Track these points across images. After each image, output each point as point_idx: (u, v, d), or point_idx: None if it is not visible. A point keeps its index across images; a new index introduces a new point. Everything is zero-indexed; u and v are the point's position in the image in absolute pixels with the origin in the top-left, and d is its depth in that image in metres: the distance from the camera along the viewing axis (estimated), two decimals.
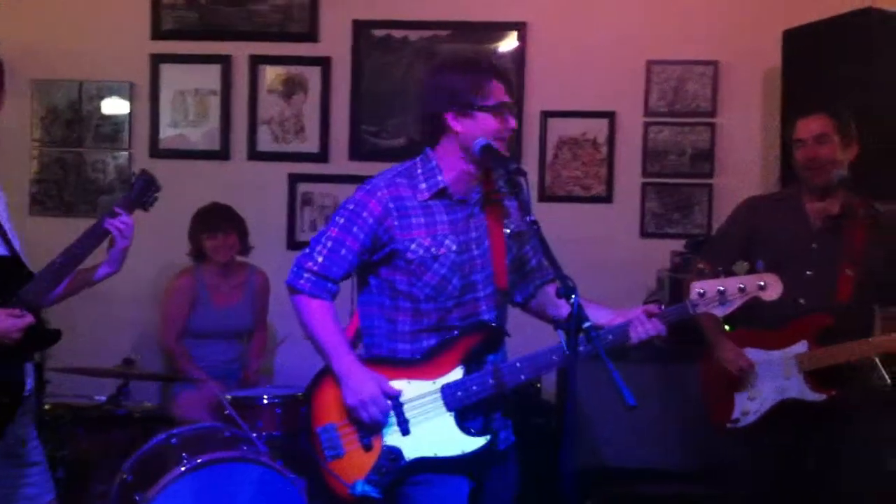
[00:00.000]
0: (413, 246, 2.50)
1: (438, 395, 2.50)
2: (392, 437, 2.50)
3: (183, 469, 3.27)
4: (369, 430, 2.50)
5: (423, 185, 2.54)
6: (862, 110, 4.14)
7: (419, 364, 2.53)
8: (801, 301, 3.22)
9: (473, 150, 2.51)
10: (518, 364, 2.52)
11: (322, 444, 2.52)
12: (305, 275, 2.55)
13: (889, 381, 3.99)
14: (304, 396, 2.63)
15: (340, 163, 5.19)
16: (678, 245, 4.72)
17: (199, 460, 3.31)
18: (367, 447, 2.50)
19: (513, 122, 2.55)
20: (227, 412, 3.68)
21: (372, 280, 2.60)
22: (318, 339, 2.55)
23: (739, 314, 3.34)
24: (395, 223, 2.50)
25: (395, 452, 2.47)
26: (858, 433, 3.18)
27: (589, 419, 3.83)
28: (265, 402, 3.93)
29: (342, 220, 2.54)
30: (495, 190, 2.61)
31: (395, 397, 2.48)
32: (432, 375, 2.50)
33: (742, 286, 2.52)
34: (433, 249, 2.50)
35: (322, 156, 5.20)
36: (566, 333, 2.31)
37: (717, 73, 5.05)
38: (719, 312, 2.55)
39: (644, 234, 5.10)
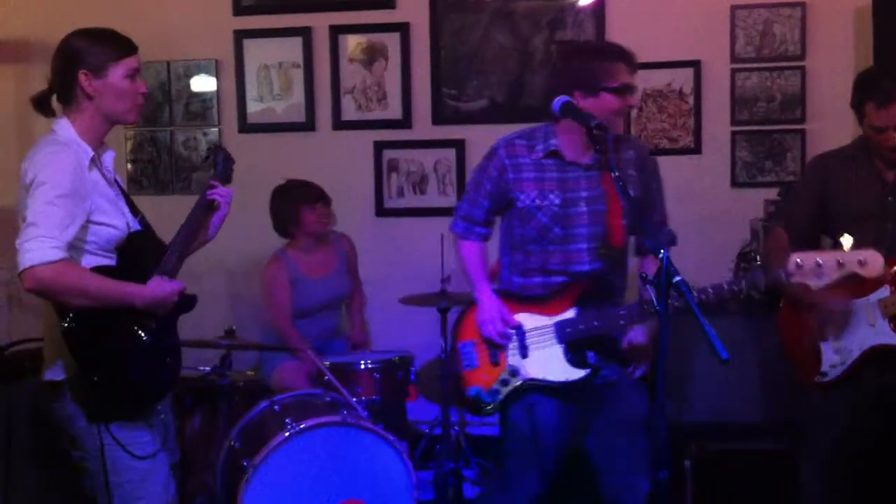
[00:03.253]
0: (522, 196, 2.97)
1: (552, 329, 2.93)
2: (514, 358, 2.97)
3: (287, 434, 3.36)
4: (496, 348, 2.97)
5: (539, 147, 2.97)
6: None
7: (543, 301, 2.96)
8: (884, 252, 3.15)
9: (553, 109, 2.80)
10: (622, 311, 2.86)
11: (461, 356, 3.03)
12: (457, 220, 3.17)
13: None
14: (456, 320, 3.13)
15: (424, 128, 5.22)
16: (771, 193, 4.62)
17: (302, 425, 3.39)
18: (495, 363, 2.98)
19: (634, 101, 2.92)
20: (326, 378, 3.76)
21: (503, 224, 3.11)
22: (465, 273, 3.14)
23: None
24: (510, 176, 2.98)
25: (515, 370, 2.95)
26: None
27: (684, 374, 3.80)
28: (363, 367, 4.01)
29: (475, 175, 3.13)
30: (618, 158, 2.93)
31: (514, 326, 2.95)
32: (551, 312, 2.94)
33: (841, 261, 2.57)
34: (537, 200, 2.95)
35: (405, 122, 5.22)
36: (656, 288, 2.31)
37: (805, 15, 4.89)
38: (815, 284, 2.61)
39: (735, 183, 5.00)
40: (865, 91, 3.17)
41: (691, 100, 5.01)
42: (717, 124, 5.01)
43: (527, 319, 2.96)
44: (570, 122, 2.87)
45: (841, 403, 3.23)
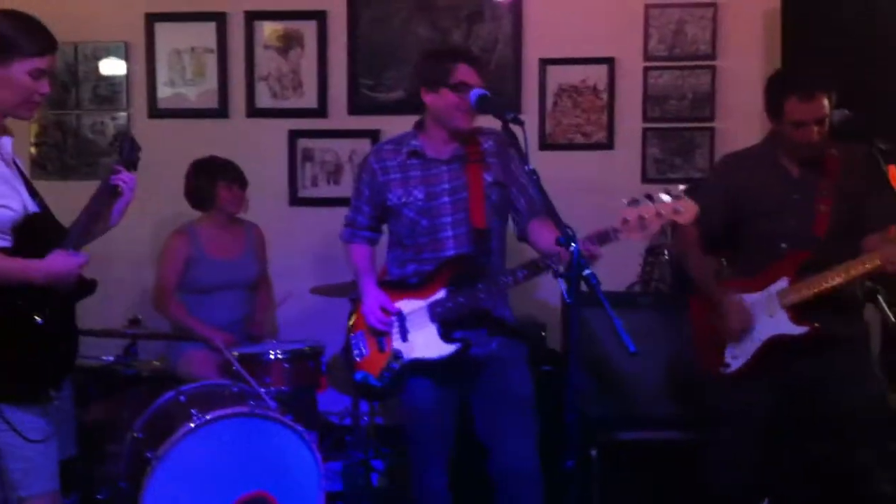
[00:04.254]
0: (391, 195, 3.23)
1: (426, 310, 3.15)
2: (396, 342, 3.19)
3: (193, 425, 3.30)
4: (381, 335, 3.21)
5: (404, 149, 3.23)
6: (863, 51, 4.14)
7: (416, 287, 3.20)
8: (784, 245, 3.26)
9: (470, 100, 3.00)
10: (480, 286, 3.07)
11: (352, 347, 3.28)
12: (344, 227, 3.42)
13: (893, 318, 4.03)
14: (348, 314, 3.37)
15: (339, 117, 5.18)
16: None
17: (208, 416, 3.33)
18: (382, 350, 3.22)
19: (472, 96, 3.03)
20: (234, 368, 3.70)
21: (388, 225, 3.37)
22: (354, 272, 3.37)
23: (728, 262, 3.42)
24: (381, 179, 3.25)
25: (398, 354, 3.18)
26: (844, 363, 3.22)
27: (594, 366, 3.86)
28: (272, 357, 3.95)
29: (355, 185, 3.41)
30: (477, 150, 3.18)
31: (394, 312, 3.18)
32: (424, 296, 3.16)
33: (660, 212, 2.69)
34: (403, 198, 3.20)
35: (321, 111, 5.18)
36: (567, 282, 2.34)
37: (717, 16, 5.01)
38: (639, 237, 2.75)
39: (646, 179, 5.09)
40: (788, 85, 3.22)
41: (605, 96, 5.07)
42: (630, 121, 5.09)
43: (405, 305, 3.18)
44: (429, 119, 3.18)
45: (745, 393, 3.32)
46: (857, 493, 3.19)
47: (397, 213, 3.22)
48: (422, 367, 3.17)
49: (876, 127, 3.29)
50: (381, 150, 3.30)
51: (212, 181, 4.42)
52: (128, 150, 3.08)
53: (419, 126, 3.27)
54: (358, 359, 3.26)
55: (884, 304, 3.90)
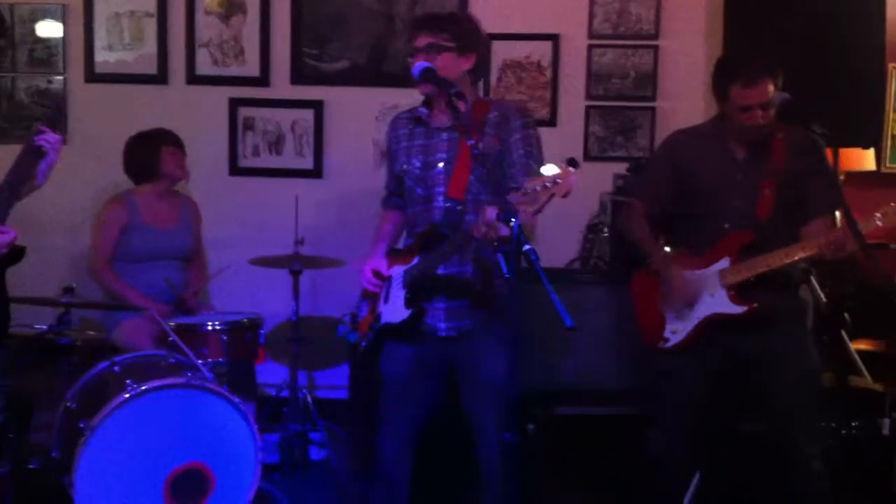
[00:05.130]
0: (396, 164, 3.26)
1: (402, 276, 3.16)
2: (381, 304, 3.22)
3: (127, 396, 3.26)
4: (373, 298, 3.26)
5: (414, 117, 3.23)
6: (805, 34, 4.19)
7: (403, 253, 3.23)
8: (727, 226, 3.31)
9: (413, 75, 2.94)
10: (443, 249, 3.01)
11: (360, 311, 3.34)
12: (383, 190, 3.43)
13: (824, 298, 4.13)
14: None
15: (282, 87, 5.12)
16: (621, 168, 4.74)
17: (143, 387, 3.29)
18: (373, 312, 3.26)
19: (420, 60, 3.02)
20: (170, 339, 3.67)
21: None
22: None
23: (672, 244, 3.45)
24: (394, 147, 3.29)
25: (379, 316, 3.21)
26: (780, 342, 3.28)
27: (534, 341, 3.88)
28: (210, 328, 3.92)
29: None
30: (479, 120, 3.10)
31: (384, 276, 3.22)
32: (405, 262, 3.17)
33: (545, 185, 2.59)
34: (405, 165, 3.20)
35: (263, 79, 5.11)
36: (505, 256, 2.35)
37: None
38: (529, 209, 2.61)
39: (587, 157, 5.12)
40: (732, 72, 3.26)
41: (549, 73, 5.08)
42: (573, 98, 5.11)
43: (395, 270, 3.21)
44: (433, 89, 3.05)
45: (684, 368, 3.37)
46: (788, 471, 3.27)
47: (401, 181, 3.26)
48: (391, 331, 3.17)
49: (817, 110, 3.35)
50: (397, 119, 3.33)
51: (155, 148, 4.37)
52: (53, 113, 3.07)
53: (428, 96, 3.21)
54: (361, 319, 3.34)
55: (816, 286, 3.99)
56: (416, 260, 3.14)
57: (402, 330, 3.13)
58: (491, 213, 2.67)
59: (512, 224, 2.35)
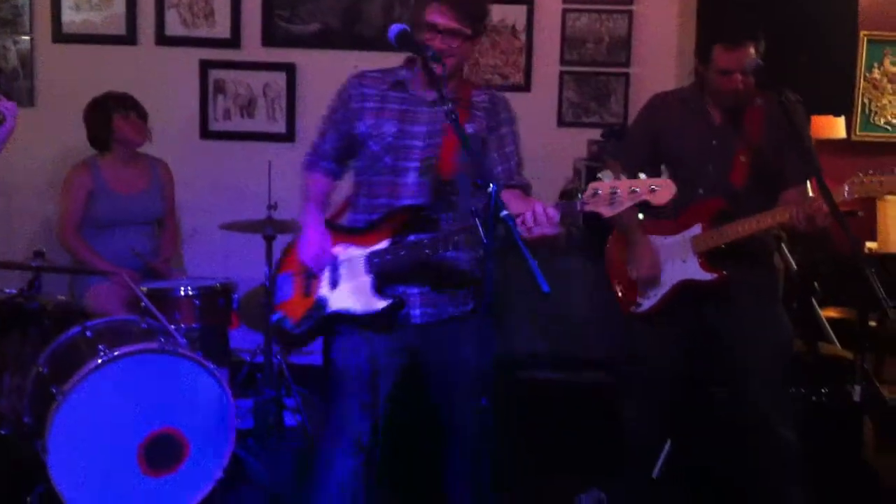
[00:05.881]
0: (359, 124, 2.89)
1: (363, 259, 2.84)
2: (324, 289, 2.90)
3: (100, 361, 3.24)
4: (311, 278, 2.91)
5: (388, 78, 2.92)
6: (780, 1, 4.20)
7: (360, 233, 2.89)
8: (700, 191, 3.32)
9: (389, 37, 2.67)
10: (426, 241, 2.76)
11: (277, 287, 3.00)
12: (307, 153, 3.06)
13: (795, 266, 4.17)
14: (282, 252, 3.06)
15: (253, 49, 5.06)
16: (595, 134, 4.75)
17: (116, 352, 3.27)
18: (307, 294, 2.92)
19: (436, 43, 2.75)
20: (143, 304, 3.64)
21: (353, 162, 3.02)
22: (303, 202, 3.03)
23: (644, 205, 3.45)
24: (354, 105, 2.90)
25: (322, 302, 2.88)
26: (752, 310, 3.30)
27: (508, 308, 3.89)
28: (182, 293, 3.89)
29: (328, 108, 3.01)
30: (466, 100, 2.90)
31: (331, 256, 2.89)
32: (366, 244, 2.86)
33: (635, 189, 2.53)
34: (373, 129, 2.86)
35: (234, 41, 5.05)
36: (483, 223, 2.34)
37: None
38: (606, 212, 2.55)
39: (561, 123, 5.12)
40: (715, 34, 3.24)
41: (523, 37, 5.05)
42: (547, 63, 5.10)
43: (343, 251, 2.90)
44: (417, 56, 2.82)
45: (656, 334, 3.40)
46: (758, 439, 3.31)
47: (362, 144, 2.89)
48: (349, 321, 2.86)
49: (789, 77, 3.36)
50: (364, 75, 2.96)
51: (106, 116, 4.29)
52: (4, 80, 3.03)
53: (411, 59, 2.92)
54: (279, 300, 2.99)
55: (787, 252, 4.03)
56: (384, 242, 2.83)
57: (372, 320, 2.83)
58: (550, 209, 2.56)
59: (489, 190, 2.33)
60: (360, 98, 2.90)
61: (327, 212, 3.07)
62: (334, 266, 2.90)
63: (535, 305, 3.88)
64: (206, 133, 5.10)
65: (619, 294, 3.48)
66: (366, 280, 2.84)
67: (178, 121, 4.95)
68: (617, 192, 2.53)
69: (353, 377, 2.89)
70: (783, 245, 3.91)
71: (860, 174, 3.02)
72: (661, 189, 2.53)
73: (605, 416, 3.64)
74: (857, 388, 3.62)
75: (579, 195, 2.57)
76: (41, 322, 3.73)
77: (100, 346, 3.32)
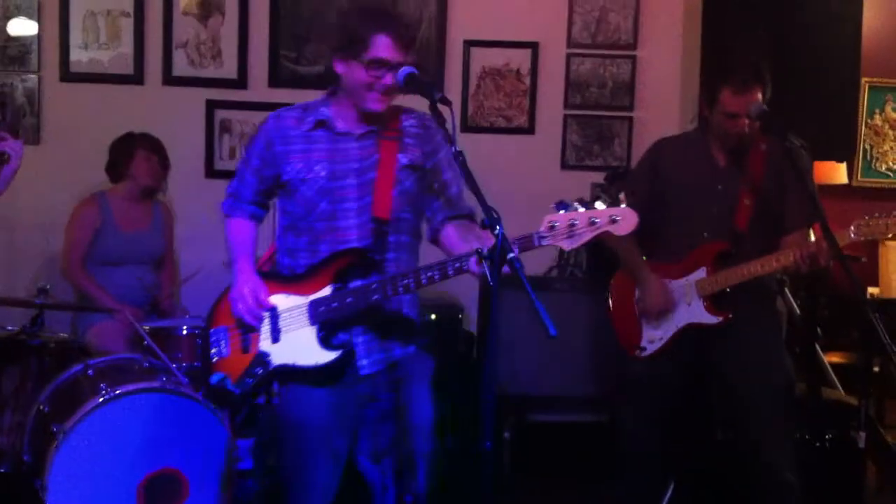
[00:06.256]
0: (288, 168, 2.73)
1: (306, 308, 2.69)
2: (265, 343, 2.73)
3: (101, 400, 3.23)
4: (248, 331, 2.74)
5: (310, 118, 2.75)
6: (781, 46, 4.24)
7: (298, 280, 2.73)
8: (706, 234, 3.33)
9: (398, 79, 2.60)
10: (375, 285, 2.62)
11: (211, 343, 2.80)
12: (226, 198, 2.92)
13: (798, 310, 4.17)
14: (211, 305, 2.88)
15: (259, 89, 5.08)
16: (598, 177, 4.76)
17: (117, 391, 3.27)
18: (246, 350, 2.75)
19: (386, 80, 2.62)
20: (145, 343, 3.63)
21: (277, 204, 2.88)
22: (228, 250, 2.87)
23: (650, 250, 3.46)
24: (278, 149, 2.74)
25: (265, 357, 2.71)
26: (756, 352, 3.31)
27: (509, 348, 3.89)
28: (184, 332, 3.88)
29: (245, 152, 2.95)
30: (396, 128, 2.76)
31: (267, 307, 2.72)
32: (306, 291, 2.70)
33: (594, 220, 2.38)
34: (303, 173, 2.71)
35: (241, 82, 5.08)
36: (490, 264, 2.33)
37: (639, 5, 5.06)
38: (566, 245, 2.43)
39: (565, 165, 5.14)
40: (723, 77, 3.25)
41: (528, 80, 5.09)
42: (551, 106, 5.12)
43: (282, 300, 2.73)
44: (343, 88, 2.71)
45: (659, 375, 3.39)
46: (761, 481, 3.29)
47: (293, 190, 2.73)
48: (296, 375, 2.71)
49: (792, 122, 3.38)
50: (283, 117, 2.78)
51: (130, 147, 4.36)
52: (11, 116, 3.03)
53: (332, 94, 2.79)
54: (216, 357, 2.78)
55: (790, 296, 4.04)
56: (327, 289, 2.68)
57: (320, 374, 2.69)
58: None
59: (497, 232, 2.32)
60: (284, 141, 2.75)
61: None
62: (274, 317, 2.73)
63: (532, 346, 3.87)
64: (211, 172, 5.11)
65: (623, 336, 3.47)
66: (310, 331, 2.69)
67: (183, 160, 4.96)
68: (576, 223, 2.39)
69: (309, 430, 2.74)
70: (786, 289, 3.91)
71: (866, 217, 3.04)
72: (623, 219, 2.39)
73: (604, 456, 3.62)
74: (862, 434, 3.60)
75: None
76: (43, 359, 3.73)
77: (101, 385, 3.31)
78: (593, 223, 2.38)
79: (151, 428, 3.31)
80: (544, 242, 2.44)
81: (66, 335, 4.10)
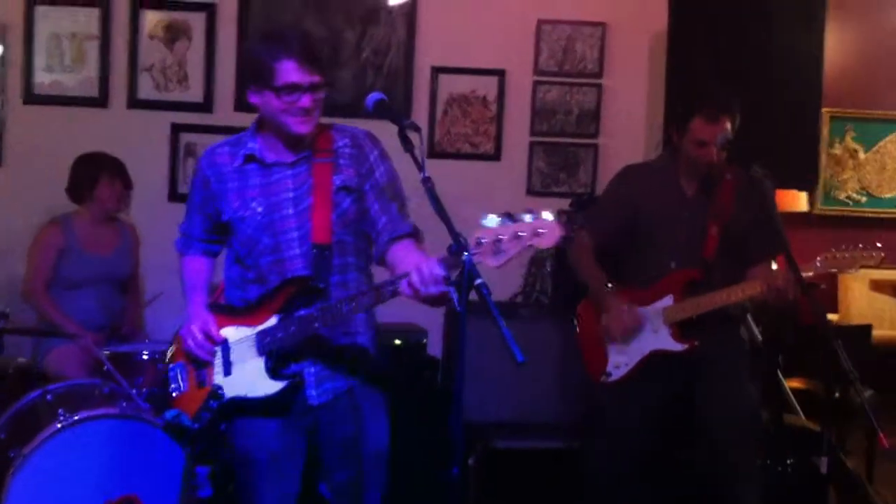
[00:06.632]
0: (226, 207, 2.70)
1: (253, 340, 2.66)
2: (218, 376, 2.71)
3: (60, 426, 3.19)
4: (202, 366, 2.73)
5: (240, 152, 2.70)
6: (743, 75, 4.30)
7: (246, 312, 2.70)
8: (673, 265, 3.35)
9: (367, 106, 2.56)
10: (315, 314, 2.58)
11: (170, 380, 2.79)
12: (178, 237, 2.91)
13: (760, 337, 4.20)
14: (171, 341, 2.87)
15: (225, 113, 5.07)
16: (563, 203, 4.79)
17: (76, 417, 3.23)
18: (202, 384, 2.73)
19: (304, 102, 2.57)
20: (105, 368, 3.58)
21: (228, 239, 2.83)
22: (183, 287, 2.88)
23: (617, 277, 3.48)
24: (214, 187, 2.72)
25: (219, 390, 2.69)
26: (720, 379, 3.34)
27: (475, 374, 3.88)
28: (145, 357, 3.84)
29: (189, 189, 2.88)
30: (328, 148, 2.70)
31: (218, 341, 2.70)
32: (254, 322, 2.66)
33: (520, 233, 2.31)
34: (240, 212, 2.67)
35: (206, 105, 5.07)
36: (457, 290, 2.33)
37: (605, 35, 5.12)
38: (492, 262, 2.34)
39: (531, 191, 5.17)
40: (696, 105, 3.30)
41: (494, 107, 5.12)
42: (517, 133, 5.17)
43: (233, 333, 2.70)
44: (264, 119, 2.67)
45: (625, 401, 3.41)
46: None
47: (234, 228, 2.70)
48: (248, 407, 2.68)
49: (755, 151, 3.42)
50: (215, 153, 2.74)
51: (94, 172, 4.29)
52: None
53: (259, 126, 2.71)
54: (175, 393, 2.77)
55: (752, 324, 4.06)
56: (273, 320, 2.64)
57: (269, 405, 2.65)
58: (435, 267, 2.35)
59: (464, 258, 2.31)
60: (219, 179, 2.71)
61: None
62: (225, 350, 2.71)
63: (497, 372, 3.86)
64: (174, 195, 5.08)
65: (589, 362, 3.48)
66: (258, 362, 2.65)
67: (147, 183, 4.92)
68: (502, 239, 2.31)
69: (258, 461, 2.71)
70: (748, 317, 3.93)
71: (833, 249, 3.08)
72: (547, 232, 2.30)
73: (570, 482, 3.62)
74: (824, 460, 3.62)
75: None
76: (1, 384, 3.66)
77: (60, 411, 3.27)
78: (518, 237, 2.31)
79: (111, 454, 3.28)
80: (474, 258, 2.32)
81: (24, 360, 4.04)
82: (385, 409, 2.81)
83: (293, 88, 2.54)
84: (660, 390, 3.37)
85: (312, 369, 2.67)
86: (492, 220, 2.33)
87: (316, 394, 2.68)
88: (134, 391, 3.53)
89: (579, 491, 3.53)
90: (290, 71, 2.53)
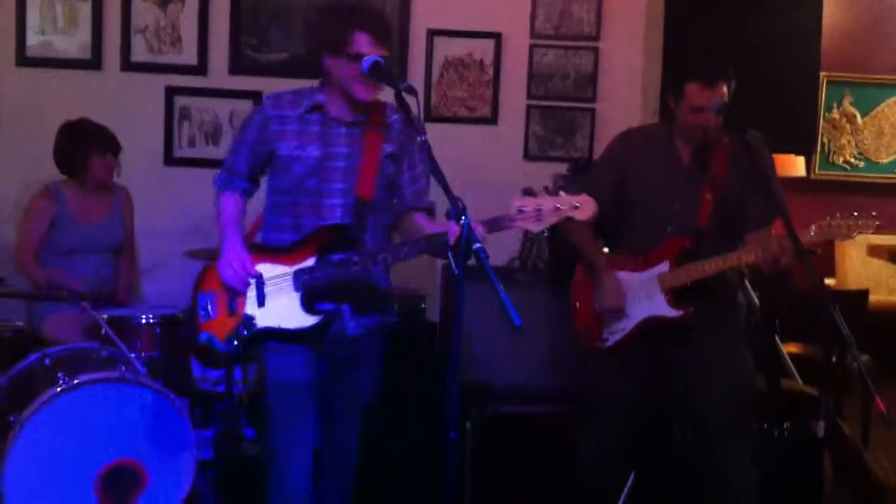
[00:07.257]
0: (282, 146, 2.95)
1: (290, 277, 2.91)
2: (251, 307, 2.93)
3: (59, 389, 3.19)
4: (235, 296, 2.94)
5: (305, 102, 2.97)
6: (742, 41, 4.28)
7: (284, 252, 2.95)
8: (669, 229, 3.35)
9: (362, 67, 2.78)
10: (354, 258, 2.86)
11: (199, 307, 2.99)
12: (220, 172, 3.09)
13: (757, 301, 4.21)
14: (199, 271, 3.06)
15: (220, 76, 5.03)
16: (560, 168, 4.78)
17: (75, 381, 3.22)
18: (232, 312, 2.95)
19: (375, 56, 2.80)
20: (103, 332, 3.58)
21: (267, 181, 3.08)
22: (218, 222, 3.06)
23: (612, 243, 3.49)
24: (274, 128, 2.96)
25: (250, 320, 2.91)
26: (716, 346, 3.34)
27: (471, 338, 3.89)
28: (143, 321, 3.84)
29: (241, 128, 3.13)
30: (382, 122, 2.99)
31: (255, 275, 2.92)
32: (291, 262, 2.92)
33: (559, 206, 2.66)
34: (297, 151, 2.93)
35: (200, 69, 5.02)
36: (454, 255, 2.35)
37: None
38: (534, 228, 2.69)
39: (527, 156, 5.15)
40: (692, 69, 3.27)
41: (491, 71, 5.09)
42: (514, 97, 5.13)
43: (267, 269, 2.94)
44: (332, 81, 2.92)
45: (619, 368, 3.41)
46: (716, 479, 3.32)
47: (285, 166, 2.95)
48: (281, 337, 2.94)
49: (752, 116, 3.40)
50: (280, 98, 3.00)
51: (84, 152, 4.24)
52: None
53: (325, 83, 2.97)
54: (203, 319, 2.98)
55: (749, 290, 4.07)
56: (311, 260, 2.90)
57: (306, 335, 2.91)
58: (479, 229, 2.63)
59: (462, 222, 2.33)
60: (280, 121, 2.96)
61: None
62: (259, 284, 2.94)
63: (494, 336, 3.87)
64: (170, 160, 5.05)
65: (585, 328, 3.48)
66: (293, 297, 2.90)
67: (142, 147, 4.90)
68: (542, 209, 2.66)
69: (298, 392, 2.95)
70: (746, 282, 3.94)
71: (827, 217, 3.08)
72: (583, 205, 2.66)
73: (565, 448, 3.64)
74: (821, 424, 3.65)
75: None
76: None
77: (59, 374, 3.27)
78: (558, 209, 2.65)
79: (110, 418, 3.27)
80: (514, 224, 2.71)
81: (21, 324, 4.03)
82: (380, 359, 3.11)
83: (360, 57, 2.78)
84: (653, 356, 3.37)
85: (347, 306, 2.94)
86: (533, 194, 2.68)
87: (353, 326, 2.97)
88: (132, 355, 3.54)
89: (574, 457, 3.54)
90: (363, 43, 2.81)
